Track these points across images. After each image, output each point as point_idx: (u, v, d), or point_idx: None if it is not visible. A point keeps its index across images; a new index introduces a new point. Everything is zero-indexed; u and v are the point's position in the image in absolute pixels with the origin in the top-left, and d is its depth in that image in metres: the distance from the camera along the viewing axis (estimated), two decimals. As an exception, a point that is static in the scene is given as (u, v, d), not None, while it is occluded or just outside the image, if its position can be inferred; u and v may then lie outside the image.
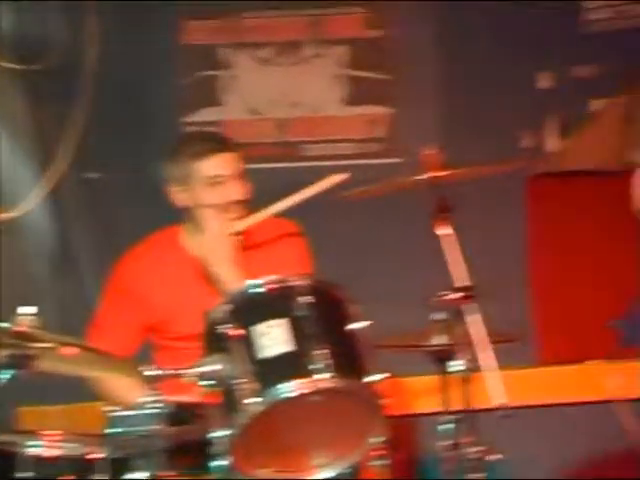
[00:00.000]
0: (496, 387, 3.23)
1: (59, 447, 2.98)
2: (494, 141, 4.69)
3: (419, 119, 4.59)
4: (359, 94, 4.60)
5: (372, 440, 3.00)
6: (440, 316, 3.49)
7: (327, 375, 2.90)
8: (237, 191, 3.72)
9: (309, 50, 4.59)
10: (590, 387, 4.33)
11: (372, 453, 3.07)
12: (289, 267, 3.52)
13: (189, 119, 4.74)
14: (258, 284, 3.04)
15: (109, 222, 4.64)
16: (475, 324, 3.30)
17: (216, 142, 3.77)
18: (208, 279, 3.71)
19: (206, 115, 4.71)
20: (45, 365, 2.90)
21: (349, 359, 3.00)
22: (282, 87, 4.59)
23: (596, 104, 4.81)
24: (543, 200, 4.78)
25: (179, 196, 3.76)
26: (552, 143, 4.81)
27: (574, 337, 4.75)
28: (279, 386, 2.87)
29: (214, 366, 2.94)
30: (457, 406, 3.48)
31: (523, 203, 4.78)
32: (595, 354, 4.48)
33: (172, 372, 2.97)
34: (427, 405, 3.95)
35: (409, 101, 4.55)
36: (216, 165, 3.72)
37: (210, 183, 3.72)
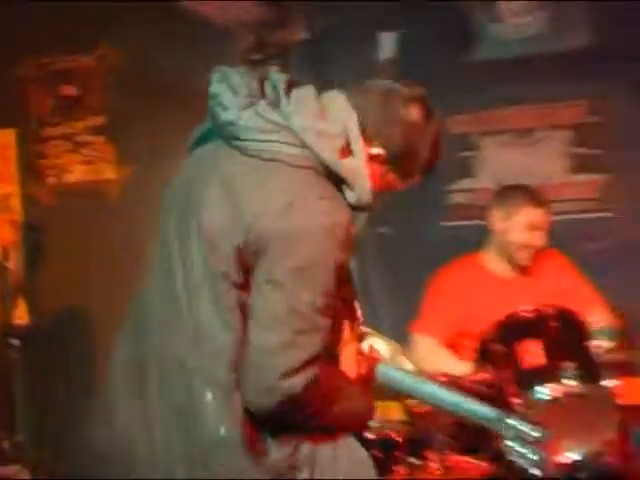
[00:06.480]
0: None
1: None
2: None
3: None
4: (579, 165, 5.60)
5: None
6: None
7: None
8: (542, 239, 4.46)
9: (540, 134, 5.65)
10: None
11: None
12: (566, 295, 4.26)
13: (452, 187, 5.86)
14: (528, 309, 3.83)
15: (395, 268, 5.71)
16: None
17: (541, 199, 4.45)
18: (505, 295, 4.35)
19: (464, 184, 5.85)
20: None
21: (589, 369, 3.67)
22: (520, 163, 5.65)
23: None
24: None
25: (498, 223, 4.47)
26: None
27: None
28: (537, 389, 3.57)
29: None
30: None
31: None
32: None
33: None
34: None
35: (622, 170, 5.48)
36: (538, 215, 4.39)
37: (528, 227, 4.42)
